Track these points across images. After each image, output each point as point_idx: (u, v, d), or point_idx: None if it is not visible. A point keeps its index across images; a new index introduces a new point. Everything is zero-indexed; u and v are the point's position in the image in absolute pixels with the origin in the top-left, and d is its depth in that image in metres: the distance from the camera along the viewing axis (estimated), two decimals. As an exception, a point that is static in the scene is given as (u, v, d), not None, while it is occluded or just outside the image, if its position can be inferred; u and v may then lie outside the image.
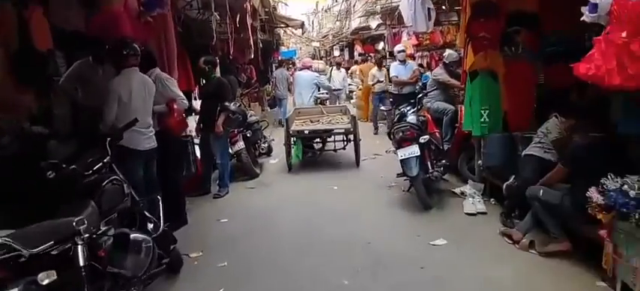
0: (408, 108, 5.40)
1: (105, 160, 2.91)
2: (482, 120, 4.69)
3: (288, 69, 15.22)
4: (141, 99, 3.70)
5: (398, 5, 11.34)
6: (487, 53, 4.54)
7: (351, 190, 5.53)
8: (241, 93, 7.95)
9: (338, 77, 11.22)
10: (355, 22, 17.90)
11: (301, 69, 8.69)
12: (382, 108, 9.09)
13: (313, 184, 5.95)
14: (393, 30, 13.75)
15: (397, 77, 7.20)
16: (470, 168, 5.44)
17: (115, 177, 2.86)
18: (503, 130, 4.67)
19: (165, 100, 4.07)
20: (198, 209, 4.99)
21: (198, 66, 5.35)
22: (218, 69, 5.55)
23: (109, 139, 2.99)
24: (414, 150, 4.41)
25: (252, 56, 13.26)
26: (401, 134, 4.54)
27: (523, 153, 4.10)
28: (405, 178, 4.85)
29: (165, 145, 3.98)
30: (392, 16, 12.53)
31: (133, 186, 3.39)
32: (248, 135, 5.94)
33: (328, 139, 6.73)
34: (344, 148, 6.88)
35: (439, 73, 5.83)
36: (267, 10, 10.34)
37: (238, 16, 7.50)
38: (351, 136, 6.45)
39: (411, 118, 5.06)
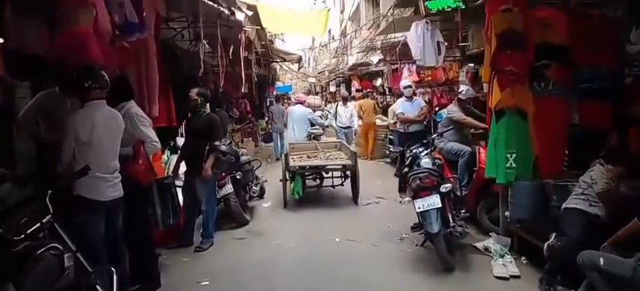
0: (421, 149, 4.78)
1: (44, 221, 2.20)
2: (508, 165, 4.09)
3: (283, 104, 14.74)
4: (106, 138, 3.02)
5: (399, 41, 11.08)
6: (514, 89, 3.99)
7: (355, 244, 4.78)
8: (233, 128, 7.31)
9: (345, 113, 9.62)
10: (353, 58, 17.66)
11: (295, 103, 8.65)
12: (391, 148, 8.49)
13: (311, 232, 5.22)
14: (393, 66, 13.48)
15: (404, 114, 6.62)
16: (492, 218, 4.76)
17: (54, 245, 2.14)
18: (532, 176, 4.05)
19: (133, 141, 3.38)
20: (174, 267, 4.21)
21: (189, 98, 4.69)
22: (208, 104, 4.89)
23: (50, 192, 2.27)
24: (434, 201, 3.73)
25: (246, 90, 12.94)
26: (418, 182, 3.88)
27: (564, 206, 3.45)
28: (420, 231, 4.15)
29: (134, 191, 3.26)
30: (392, 52, 12.22)
31: (91, 248, 2.67)
32: (238, 177, 5.23)
33: (326, 175, 6.54)
34: (342, 184, 6.64)
35: (453, 110, 5.25)
36: (263, 43, 9.89)
37: (232, 47, 6.98)
38: (350, 173, 6.32)
39: (426, 161, 4.43)
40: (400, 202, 5.88)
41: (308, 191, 6.64)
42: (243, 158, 5.59)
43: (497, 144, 4.12)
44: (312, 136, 7.70)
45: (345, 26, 21.37)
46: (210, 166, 4.48)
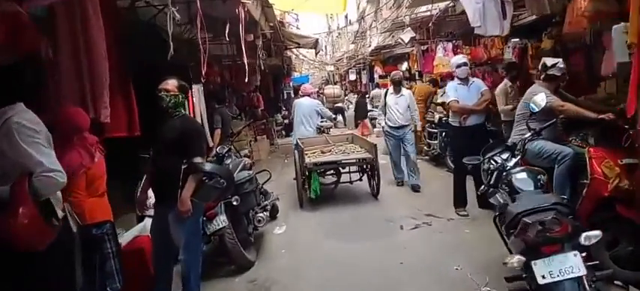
0: (504, 156, 3.12)
1: None
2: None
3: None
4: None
5: (432, 14, 9.33)
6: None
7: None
8: (232, 131, 5.82)
9: (398, 106, 6.27)
10: (374, 41, 15.89)
11: (301, 96, 7.73)
12: (430, 143, 6.77)
13: (344, 276, 3.66)
14: (423, 46, 11.68)
15: (458, 102, 4.88)
16: (616, 257, 3.09)
17: None
18: None
19: (15, 172, 1.88)
20: None
21: (158, 92, 3.14)
22: (186, 103, 3.37)
23: None
24: (572, 264, 2.07)
25: (258, 83, 11.43)
26: (540, 231, 2.16)
27: None
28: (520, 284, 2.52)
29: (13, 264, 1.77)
30: (421, 30, 10.45)
31: None
32: (235, 203, 3.70)
33: (343, 171, 6.14)
34: (360, 180, 6.19)
35: (547, 94, 3.47)
36: (272, 24, 8.29)
37: (227, 28, 5.45)
38: (369, 167, 5.94)
39: (522, 178, 2.77)
40: (461, 215, 4.73)
41: (325, 189, 6.02)
42: (243, 174, 4.02)
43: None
44: (322, 129, 7.17)
45: (364, 9, 19.57)
46: (189, 194, 2.97)
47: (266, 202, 4.65)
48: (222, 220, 3.54)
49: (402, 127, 6.23)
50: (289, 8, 8.54)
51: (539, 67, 3.96)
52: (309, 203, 5.76)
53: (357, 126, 13.36)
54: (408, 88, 7.75)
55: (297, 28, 16.88)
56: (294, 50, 16.66)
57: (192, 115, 5.73)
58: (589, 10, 4.62)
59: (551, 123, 3.42)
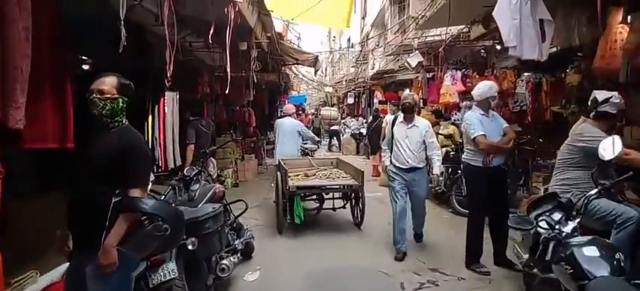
0: (558, 216, 2.29)
1: None
2: None
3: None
4: None
5: (442, 39, 8.64)
6: None
7: None
8: (206, 150, 4.95)
9: (410, 141, 4.56)
10: (379, 64, 15.24)
11: (283, 116, 7.57)
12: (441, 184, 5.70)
13: None
14: (428, 73, 10.99)
15: (485, 137, 4.08)
16: None
17: None
18: None
19: None
20: None
21: (90, 93, 2.26)
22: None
23: None
24: None
25: (251, 97, 10.60)
26: None
27: None
28: None
29: None
30: (429, 55, 9.77)
31: None
32: (191, 247, 2.81)
33: (326, 196, 5.85)
34: (344, 207, 5.93)
35: (616, 138, 2.62)
36: (269, 34, 7.53)
37: (211, 30, 4.65)
38: (354, 195, 5.68)
39: (590, 253, 1.94)
40: (480, 272, 3.92)
41: (306, 214, 5.49)
42: (206, 209, 3.09)
43: None
44: (306, 151, 6.87)
45: (367, 33, 19.05)
46: (116, 242, 2.08)
47: (237, 242, 3.73)
48: (170, 270, 2.64)
49: (414, 169, 4.51)
50: (290, 17, 7.80)
51: (589, 102, 3.17)
52: (289, 230, 5.40)
53: (374, 153, 10.91)
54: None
55: (299, 47, 16.22)
56: (292, 68, 15.97)
57: (162, 128, 4.88)
58: (631, 43, 3.94)
59: (627, 177, 2.59)
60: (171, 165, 4.98)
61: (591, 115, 3.10)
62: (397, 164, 4.59)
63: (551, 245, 2.11)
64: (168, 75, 3.23)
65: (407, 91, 8.64)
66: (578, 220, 2.25)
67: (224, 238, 3.32)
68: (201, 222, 2.89)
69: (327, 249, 4.84)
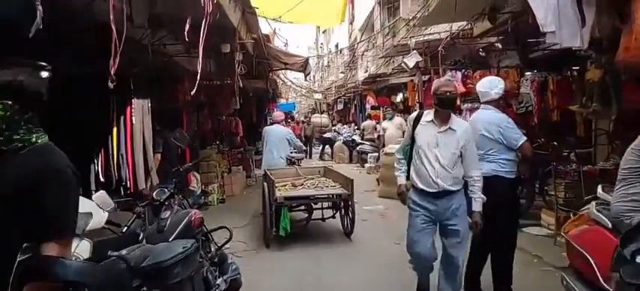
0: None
1: None
2: None
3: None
4: None
5: (441, 39, 8.08)
6: None
7: None
8: (194, 162, 4.24)
9: (441, 151, 2.99)
10: (371, 68, 14.68)
11: (271, 123, 7.55)
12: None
13: None
14: (424, 76, 10.42)
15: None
16: None
17: None
18: None
19: None
20: None
21: None
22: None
23: None
24: None
25: (237, 106, 9.90)
26: None
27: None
28: None
29: None
30: (426, 57, 9.19)
31: None
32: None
33: (315, 207, 5.79)
34: (333, 217, 5.82)
35: None
36: (254, 36, 6.86)
37: (187, 27, 3.91)
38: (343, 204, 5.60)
39: None
40: None
41: (294, 226, 5.49)
42: (175, 248, 2.36)
43: None
44: (292, 160, 6.88)
45: (356, 38, 18.54)
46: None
47: (219, 281, 3.00)
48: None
49: (448, 194, 2.98)
50: (278, 15, 7.15)
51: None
52: (276, 243, 5.21)
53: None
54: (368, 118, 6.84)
55: (286, 44, 15.60)
56: (280, 75, 15.31)
57: (129, 138, 4.11)
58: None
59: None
60: (142, 186, 4.23)
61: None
62: (420, 185, 3.02)
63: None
64: (113, 68, 2.51)
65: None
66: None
67: (199, 285, 2.57)
68: (166, 269, 2.15)
69: (317, 263, 4.59)
